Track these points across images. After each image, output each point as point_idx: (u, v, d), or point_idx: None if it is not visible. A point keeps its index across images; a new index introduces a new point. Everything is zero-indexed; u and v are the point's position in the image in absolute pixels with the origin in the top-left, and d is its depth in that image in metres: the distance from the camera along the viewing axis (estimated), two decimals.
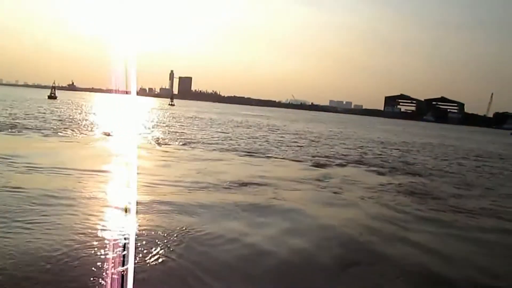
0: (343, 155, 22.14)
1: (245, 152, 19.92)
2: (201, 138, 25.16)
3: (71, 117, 35.13)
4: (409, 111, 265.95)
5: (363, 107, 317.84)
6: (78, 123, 29.69)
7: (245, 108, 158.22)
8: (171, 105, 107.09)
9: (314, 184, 12.93)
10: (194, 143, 22.19)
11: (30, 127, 23.23)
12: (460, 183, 15.74)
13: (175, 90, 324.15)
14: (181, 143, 21.69)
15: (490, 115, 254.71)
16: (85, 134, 22.81)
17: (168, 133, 27.42)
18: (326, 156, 20.65)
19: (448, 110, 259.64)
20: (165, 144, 21.05)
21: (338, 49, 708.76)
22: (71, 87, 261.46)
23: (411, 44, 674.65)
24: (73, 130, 24.09)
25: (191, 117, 53.73)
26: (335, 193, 11.78)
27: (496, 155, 34.07)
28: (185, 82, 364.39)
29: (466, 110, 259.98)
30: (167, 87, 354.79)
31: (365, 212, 9.85)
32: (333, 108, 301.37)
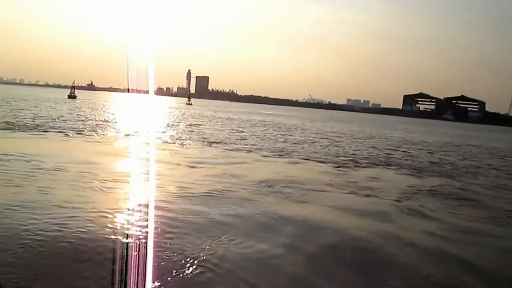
0: (368, 155, 21.71)
1: (268, 152, 19.67)
2: (223, 138, 25.00)
3: (92, 117, 35.43)
4: (428, 110, 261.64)
5: (381, 106, 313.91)
6: (100, 123, 29.90)
7: (263, 107, 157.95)
8: (189, 104, 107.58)
9: (341, 187, 12.50)
10: (216, 143, 22.03)
11: (53, 127, 23.44)
12: (493, 185, 15.19)
13: (192, 90, 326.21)
14: (202, 143, 21.56)
15: None
16: (107, 134, 22.88)
17: (189, 133, 27.36)
18: (350, 157, 20.26)
19: (468, 108, 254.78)
20: (187, 144, 20.95)
21: (354, 48, 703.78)
22: (90, 87, 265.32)
23: (427, 42, 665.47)
24: (95, 130, 24.22)
25: (210, 116, 53.76)
26: (367, 195, 11.40)
27: None
28: (202, 81, 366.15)
29: (487, 108, 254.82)
30: (185, 86, 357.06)
31: (398, 219, 9.36)
32: (350, 107, 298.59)
